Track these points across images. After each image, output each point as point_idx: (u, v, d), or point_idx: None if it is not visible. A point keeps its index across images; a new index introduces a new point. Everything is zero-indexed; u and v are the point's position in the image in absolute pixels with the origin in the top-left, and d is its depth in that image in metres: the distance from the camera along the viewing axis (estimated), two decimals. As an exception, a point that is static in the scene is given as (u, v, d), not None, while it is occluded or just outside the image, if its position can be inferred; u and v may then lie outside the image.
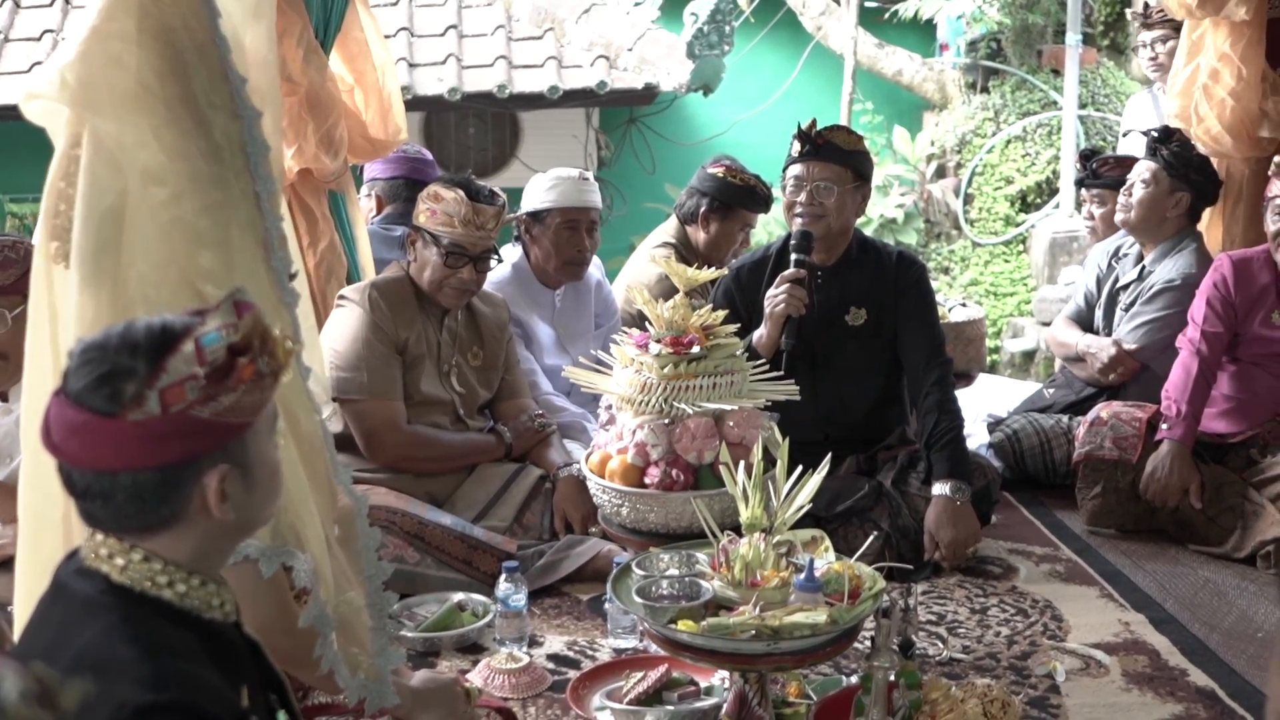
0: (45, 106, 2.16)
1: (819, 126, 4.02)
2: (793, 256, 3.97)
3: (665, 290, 4.37)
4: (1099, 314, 4.78)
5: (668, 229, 5.09)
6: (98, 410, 1.61)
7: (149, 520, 1.68)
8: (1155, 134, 4.59)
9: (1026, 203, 9.54)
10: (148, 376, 1.60)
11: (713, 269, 3.43)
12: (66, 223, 2.10)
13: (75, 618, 1.68)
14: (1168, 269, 4.53)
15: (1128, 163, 4.96)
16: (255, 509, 1.78)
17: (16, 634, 2.21)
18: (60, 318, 2.16)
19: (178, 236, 2.08)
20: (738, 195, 4.91)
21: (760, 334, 3.94)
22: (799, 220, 4.00)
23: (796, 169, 4.01)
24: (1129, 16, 5.88)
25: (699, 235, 4.95)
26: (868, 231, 4.22)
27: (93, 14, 2.11)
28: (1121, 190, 4.61)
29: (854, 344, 4.08)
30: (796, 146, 4.01)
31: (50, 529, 2.15)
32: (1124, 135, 5.49)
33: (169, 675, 1.60)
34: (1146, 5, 5.76)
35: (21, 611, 2.21)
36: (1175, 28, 5.58)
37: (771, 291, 3.94)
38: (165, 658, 1.62)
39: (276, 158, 2.25)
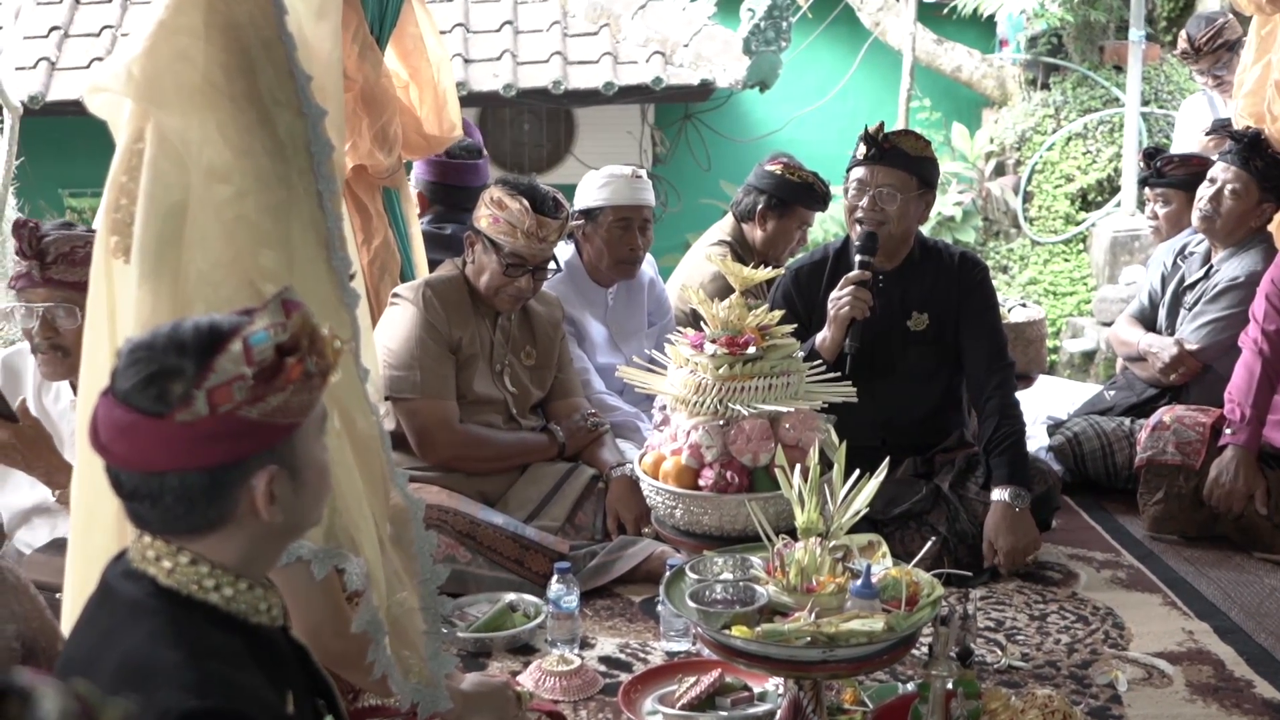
0: (109, 100, 2.15)
1: (885, 129, 3.94)
2: (857, 258, 3.89)
3: (720, 289, 4.32)
4: (1163, 313, 4.70)
5: (724, 227, 5.04)
6: (145, 411, 1.59)
7: (197, 522, 1.66)
8: (1247, 140, 4.44)
9: (1087, 201, 9.41)
10: (195, 376, 1.59)
11: (769, 268, 3.38)
12: (127, 217, 2.09)
13: (122, 621, 1.67)
14: (1233, 268, 4.45)
15: (1193, 162, 4.86)
16: (303, 511, 1.76)
17: (64, 624, 2.21)
18: (119, 312, 2.15)
19: (240, 234, 2.07)
20: (796, 193, 4.85)
21: (823, 336, 3.87)
22: (859, 225, 3.92)
23: (860, 172, 3.92)
24: (1180, 42, 5.77)
25: (756, 233, 4.90)
26: (924, 230, 4.12)
27: (160, 8, 2.10)
28: (1205, 196, 4.47)
29: (915, 349, 4.00)
30: (862, 149, 3.91)
31: (102, 524, 2.14)
32: (1207, 134, 5.33)
33: (213, 681, 1.58)
34: (1189, 35, 5.65)
35: (70, 603, 2.21)
36: (1230, 46, 5.50)
37: (835, 294, 3.86)
38: (210, 663, 1.60)
39: (339, 157, 2.23)
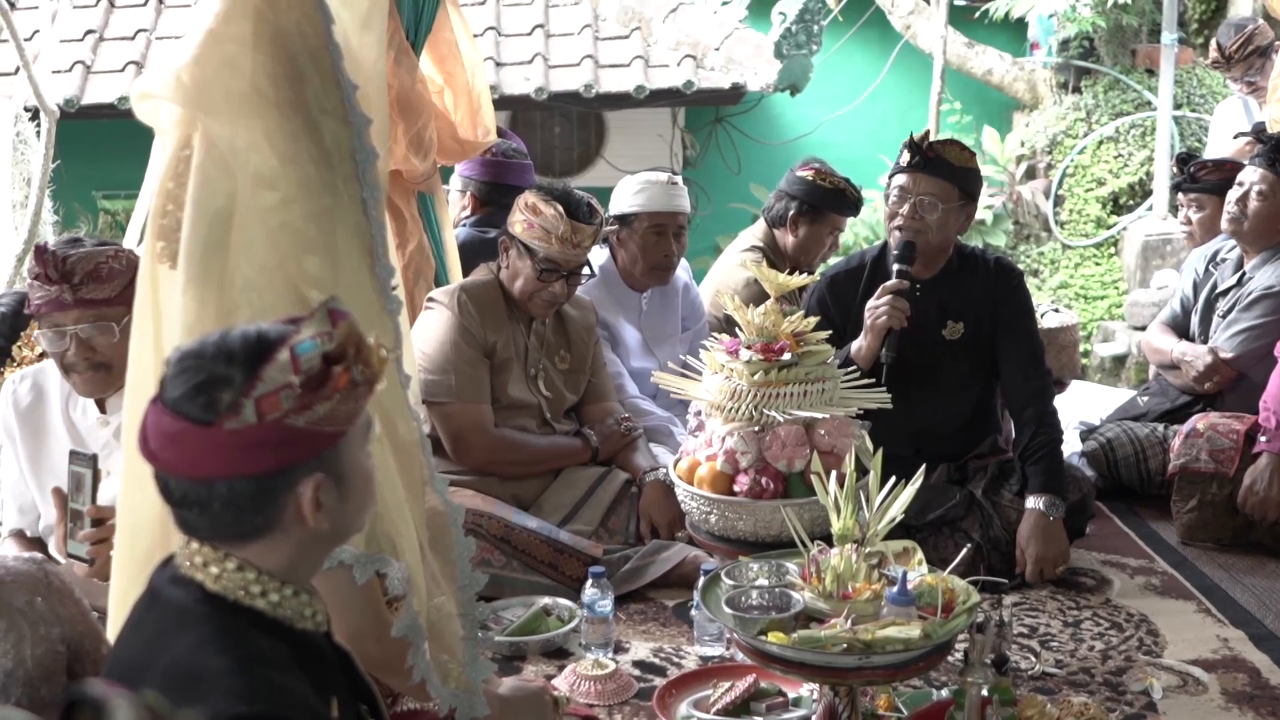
0: (156, 106, 2.17)
1: (930, 138, 3.91)
2: (895, 267, 3.87)
3: (753, 295, 4.31)
4: (1195, 320, 4.68)
5: (755, 232, 5.04)
6: (194, 419, 1.61)
7: (244, 529, 1.69)
8: (1274, 142, 4.45)
9: (1118, 204, 9.37)
10: (244, 385, 1.61)
11: (802, 273, 3.39)
12: (174, 223, 2.11)
13: (169, 626, 1.69)
14: (1267, 275, 4.43)
15: (1227, 166, 4.85)
16: (349, 518, 1.78)
17: (110, 631, 2.23)
18: (164, 318, 2.18)
19: (285, 241, 2.09)
20: (827, 198, 4.84)
21: (859, 345, 3.85)
22: (898, 232, 3.89)
23: (902, 179, 3.89)
24: (1210, 51, 5.77)
25: (787, 239, 4.90)
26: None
27: (209, 17, 2.12)
28: (1233, 199, 4.48)
29: (950, 358, 3.98)
30: (905, 156, 3.88)
31: (147, 528, 2.16)
32: (1235, 137, 5.34)
33: (261, 687, 1.60)
34: (1219, 44, 5.64)
35: (116, 608, 2.23)
36: (1262, 52, 5.49)
37: (872, 303, 3.85)
38: (257, 669, 1.62)
39: (382, 165, 2.25)
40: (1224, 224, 4.55)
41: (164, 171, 2.20)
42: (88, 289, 2.91)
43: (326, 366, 1.63)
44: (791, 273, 3.31)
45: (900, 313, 3.80)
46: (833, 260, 4.99)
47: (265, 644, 1.68)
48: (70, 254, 2.91)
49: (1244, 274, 4.51)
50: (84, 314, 2.92)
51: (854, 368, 3.53)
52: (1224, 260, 4.65)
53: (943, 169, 3.85)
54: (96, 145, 8.79)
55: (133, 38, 9.01)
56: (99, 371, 2.98)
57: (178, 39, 8.69)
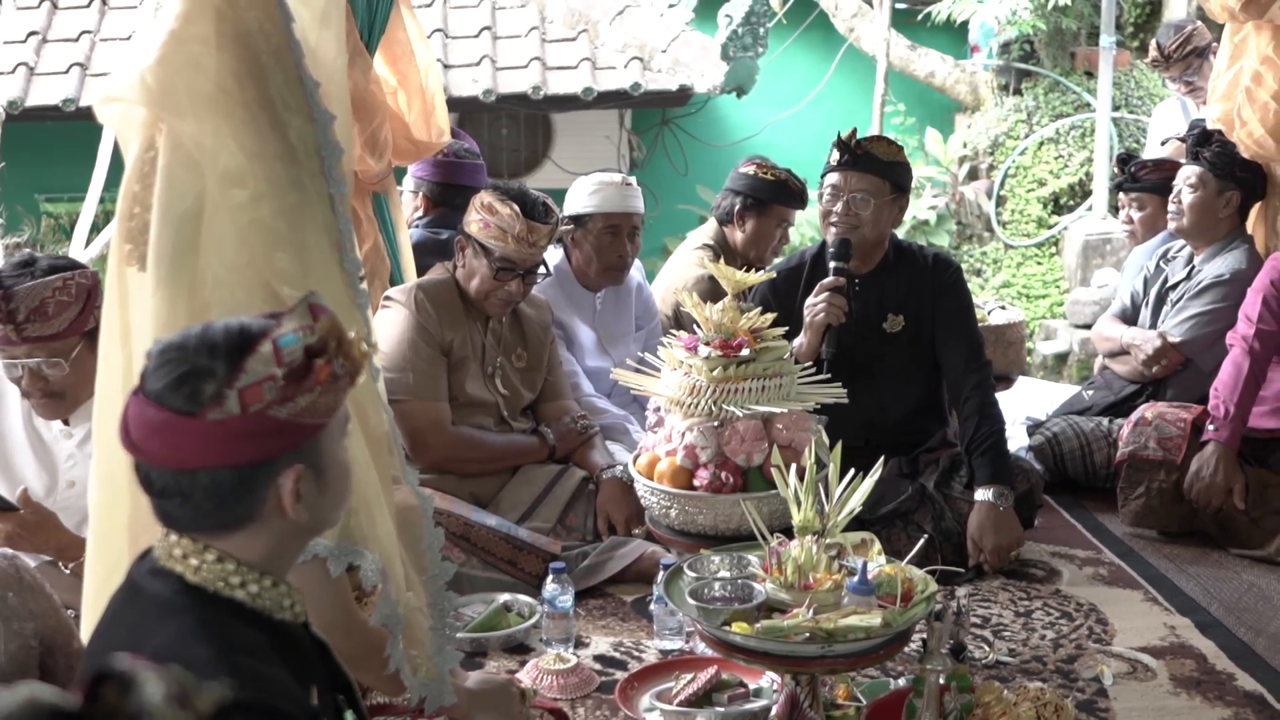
0: (119, 109, 2.18)
1: (858, 134, 3.99)
2: (831, 264, 3.95)
3: (705, 292, 4.37)
4: (1146, 313, 4.77)
5: (706, 231, 5.10)
6: (178, 409, 1.63)
7: (225, 520, 1.70)
8: (1193, 137, 4.58)
9: (1059, 205, 9.51)
10: (227, 376, 1.63)
11: (755, 270, 3.43)
12: (141, 225, 2.12)
13: (150, 618, 1.70)
14: (1217, 266, 4.53)
15: (1167, 166, 4.96)
16: (327, 510, 1.81)
17: (84, 630, 2.24)
18: (134, 320, 2.19)
19: (255, 238, 2.11)
20: (770, 190, 4.90)
21: (800, 342, 3.92)
22: (834, 229, 3.98)
23: (834, 178, 3.98)
24: (1150, 50, 5.89)
25: (736, 235, 4.96)
26: (899, 234, 4.18)
27: (170, 18, 2.13)
28: (1170, 198, 4.60)
29: (892, 350, 4.06)
30: (835, 155, 3.97)
31: (118, 528, 2.17)
32: (1163, 143, 5.48)
33: (244, 675, 1.62)
34: (1159, 44, 5.76)
35: (90, 607, 2.24)
36: (1200, 53, 5.61)
37: (810, 300, 3.93)
38: (239, 657, 1.64)
39: (347, 160, 2.27)
40: (1169, 225, 4.65)
41: (129, 174, 2.21)
42: (32, 327, 2.90)
43: (308, 359, 1.65)
44: (744, 269, 3.35)
45: (838, 309, 3.87)
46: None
47: (246, 634, 1.70)
48: (16, 289, 2.88)
49: (1194, 267, 4.61)
50: (33, 350, 2.92)
51: (808, 364, 3.58)
52: (1174, 257, 4.76)
53: (872, 165, 3.94)
54: (40, 148, 8.70)
55: (76, 39, 8.91)
56: (53, 399, 2.99)
57: (123, 40, 8.69)
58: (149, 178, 2.18)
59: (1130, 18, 9.82)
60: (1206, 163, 4.49)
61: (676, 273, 5.03)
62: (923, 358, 4.11)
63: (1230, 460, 4.10)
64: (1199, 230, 4.55)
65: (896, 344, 4.07)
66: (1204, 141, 4.54)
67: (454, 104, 8.71)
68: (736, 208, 4.93)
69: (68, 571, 2.87)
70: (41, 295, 2.89)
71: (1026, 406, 5.19)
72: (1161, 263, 4.80)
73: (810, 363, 3.78)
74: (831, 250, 3.98)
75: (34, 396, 3.00)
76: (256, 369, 1.63)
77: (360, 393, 2.15)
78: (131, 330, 2.20)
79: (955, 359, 4.05)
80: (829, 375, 3.60)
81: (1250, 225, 4.64)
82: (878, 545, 2.91)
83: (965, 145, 9.92)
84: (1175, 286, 4.66)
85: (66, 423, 3.08)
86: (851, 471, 2.82)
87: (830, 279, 3.92)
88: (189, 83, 2.14)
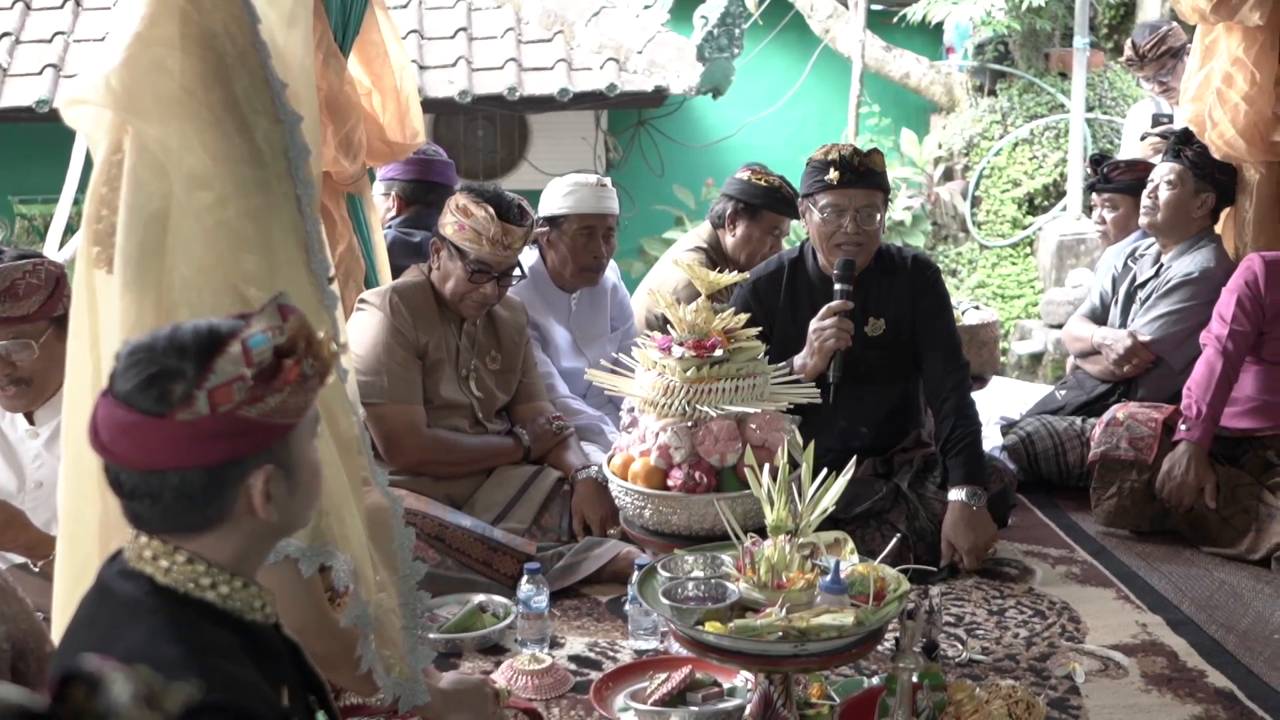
0: (86, 112, 2.18)
1: (853, 148, 3.95)
2: (837, 287, 3.91)
3: (691, 295, 4.36)
4: (1115, 312, 4.80)
5: (701, 233, 5.12)
6: (147, 410, 1.63)
7: (195, 520, 1.70)
8: (1176, 135, 4.61)
9: (1034, 205, 9.56)
10: (196, 377, 1.63)
11: (741, 273, 3.44)
12: (109, 227, 2.12)
13: (120, 619, 1.70)
14: (1185, 264, 4.56)
15: (1139, 167, 4.99)
16: (297, 510, 1.81)
17: (55, 633, 2.23)
18: (102, 322, 2.18)
19: (222, 240, 2.10)
20: (762, 196, 4.91)
21: (803, 363, 3.88)
22: (843, 250, 3.92)
23: (834, 197, 3.89)
24: (1125, 49, 5.94)
25: (728, 239, 4.98)
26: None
27: (134, 20, 2.13)
28: (1145, 193, 4.63)
29: (872, 354, 4.05)
30: (834, 174, 3.87)
31: (88, 532, 2.17)
32: (1142, 138, 5.51)
33: (215, 676, 1.62)
34: (1134, 44, 5.80)
35: (60, 610, 2.23)
36: (1175, 53, 5.65)
37: (817, 325, 3.87)
38: (209, 658, 1.64)
39: (315, 162, 2.27)
40: (1141, 220, 4.68)
41: (96, 176, 2.20)
42: (4, 307, 2.91)
43: (278, 359, 1.65)
44: (737, 274, 3.36)
45: (846, 334, 3.85)
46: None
47: (216, 635, 1.70)
48: None
49: (1162, 265, 4.64)
50: (2, 331, 2.93)
51: (782, 364, 3.58)
52: (1142, 256, 4.78)
53: (873, 179, 3.92)
54: (13, 150, 8.67)
55: (50, 40, 8.87)
56: (20, 387, 2.99)
57: (97, 42, 8.64)
58: (115, 180, 2.18)
59: (1104, 19, 9.88)
60: (1188, 161, 4.52)
61: (664, 275, 5.03)
62: (902, 360, 4.11)
63: (1202, 460, 4.13)
64: (1170, 228, 4.58)
65: (877, 347, 4.07)
66: (1186, 140, 4.57)
67: (430, 105, 8.74)
68: (728, 211, 4.96)
69: (36, 570, 2.88)
70: (12, 276, 2.91)
71: (1000, 406, 5.21)
72: (1130, 261, 4.83)
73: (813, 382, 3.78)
74: (836, 273, 3.94)
75: (1, 385, 2.99)
76: (226, 369, 1.63)
77: (329, 394, 2.15)
78: (100, 333, 2.19)
79: (933, 358, 4.05)
80: (834, 397, 3.63)
81: (1219, 228, 4.67)
82: (851, 544, 2.91)
83: (940, 146, 9.97)
84: (1144, 285, 4.69)
85: (32, 422, 3.06)
86: (825, 471, 2.82)
87: (838, 303, 3.88)
88: (154, 85, 2.14)
